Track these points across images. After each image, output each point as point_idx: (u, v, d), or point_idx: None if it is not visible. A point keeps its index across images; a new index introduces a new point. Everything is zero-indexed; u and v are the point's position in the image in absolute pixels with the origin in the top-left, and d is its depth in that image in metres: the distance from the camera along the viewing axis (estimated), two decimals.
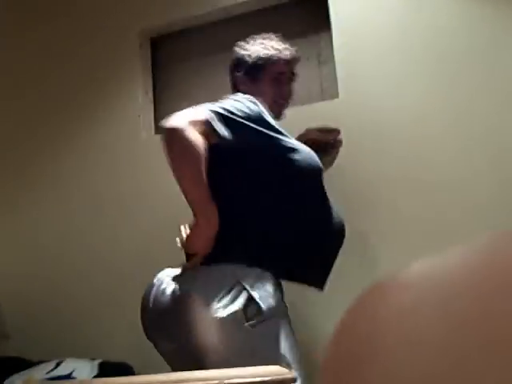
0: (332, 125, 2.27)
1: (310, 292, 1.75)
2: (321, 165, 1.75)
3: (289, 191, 1.66)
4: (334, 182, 2.39)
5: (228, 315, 1.45)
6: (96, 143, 2.85)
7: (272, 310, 1.50)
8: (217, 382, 1.25)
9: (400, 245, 2.25)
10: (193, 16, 2.80)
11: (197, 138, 1.52)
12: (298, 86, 2.46)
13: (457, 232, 2.14)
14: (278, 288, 1.62)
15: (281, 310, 1.56)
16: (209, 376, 1.39)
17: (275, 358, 1.42)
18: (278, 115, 1.90)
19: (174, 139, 1.52)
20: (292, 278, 1.69)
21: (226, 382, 1.23)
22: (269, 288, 1.53)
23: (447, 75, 2.32)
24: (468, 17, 2.34)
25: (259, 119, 1.64)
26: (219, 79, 2.76)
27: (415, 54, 2.38)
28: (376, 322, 0.28)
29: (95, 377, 2.26)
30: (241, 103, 1.66)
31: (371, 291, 0.31)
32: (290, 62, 1.96)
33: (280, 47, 1.95)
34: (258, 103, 1.70)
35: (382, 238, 2.30)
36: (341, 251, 1.78)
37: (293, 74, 1.99)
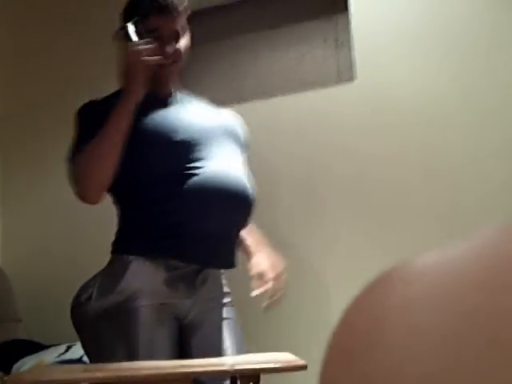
0: (348, 107, 2.24)
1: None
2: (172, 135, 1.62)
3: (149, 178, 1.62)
4: (355, 166, 2.36)
5: None
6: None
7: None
8: (227, 367, 1.23)
9: (413, 230, 2.22)
10: None
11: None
12: (314, 69, 2.41)
13: (472, 214, 2.12)
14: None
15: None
16: (220, 362, 1.37)
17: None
18: (166, 76, 1.71)
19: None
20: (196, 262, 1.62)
21: (237, 367, 1.22)
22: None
23: (464, 59, 2.28)
24: (485, 2, 2.29)
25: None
26: (232, 62, 2.72)
27: (433, 38, 2.33)
28: (379, 316, 0.27)
29: None
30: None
31: (375, 283, 0.30)
32: (166, 17, 1.66)
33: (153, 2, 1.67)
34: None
35: (401, 221, 2.27)
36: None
37: (175, 30, 1.69)
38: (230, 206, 1.60)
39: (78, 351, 2.28)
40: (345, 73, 2.53)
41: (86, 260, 2.80)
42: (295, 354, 1.27)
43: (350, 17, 2.48)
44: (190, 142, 1.61)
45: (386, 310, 0.27)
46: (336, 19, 2.60)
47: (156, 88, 1.69)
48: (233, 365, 1.22)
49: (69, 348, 2.32)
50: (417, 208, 2.26)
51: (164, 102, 1.72)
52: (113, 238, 2.72)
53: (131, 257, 1.59)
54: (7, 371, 2.24)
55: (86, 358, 2.23)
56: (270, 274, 1.66)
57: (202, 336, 1.63)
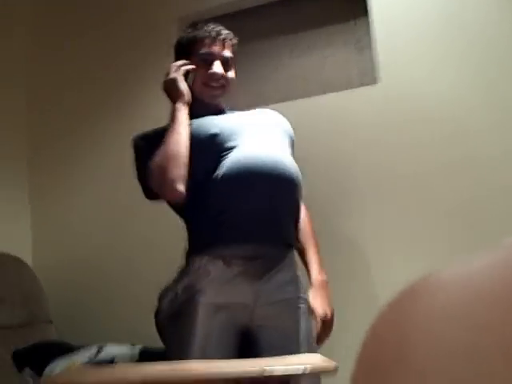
0: (370, 110, 2.25)
1: None
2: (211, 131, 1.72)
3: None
4: (378, 169, 2.37)
5: None
6: (136, 129, 2.86)
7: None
8: (258, 369, 1.25)
9: (434, 226, 2.23)
10: (230, 2, 2.78)
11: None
12: (336, 72, 2.42)
13: (495, 212, 2.16)
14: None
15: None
16: (250, 364, 1.39)
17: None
18: (211, 99, 1.85)
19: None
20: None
21: (268, 369, 1.24)
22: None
23: (485, 57, 2.27)
24: (508, 3, 2.28)
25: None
26: (256, 67, 2.75)
27: (455, 39, 2.33)
28: (405, 330, 0.27)
29: (136, 362, 2.29)
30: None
31: (401, 297, 0.30)
32: (219, 42, 1.84)
33: (209, 29, 1.85)
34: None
35: (429, 218, 2.28)
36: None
37: (224, 56, 1.84)
38: (265, 183, 1.64)
39: (108, 352, 2.31)
40: (367, 75, 2.54)
41: (114, 264, 2.85)
42: (327, 354, 1.29)
43: (370, 19, 2.49)
44: (224, 133, 1.70)
45: (412, 323, 0.27)
46: (356, 22, 2.61)
47: (204, 109, 1.81)
48: (263, 369, 1.24)
49: (99, 349, 2.34)
50: (440, 205, 2.27)
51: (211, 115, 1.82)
52: (140, 245, 2.76)
53: (193, 256, 1.68)
54: (39, 372, 2.27)
55: (116, 360, 2.26)
56: (321, 312, 1.71)
57: (269, 334, 1.65)
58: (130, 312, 2.66)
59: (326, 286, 1.77)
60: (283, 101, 2.56)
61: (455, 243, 2.21)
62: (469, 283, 0.26)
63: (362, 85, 2.53)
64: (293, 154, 1.83)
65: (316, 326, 1.68)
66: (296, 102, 2.55)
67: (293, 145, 1.87)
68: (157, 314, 1.69)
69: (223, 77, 1.83)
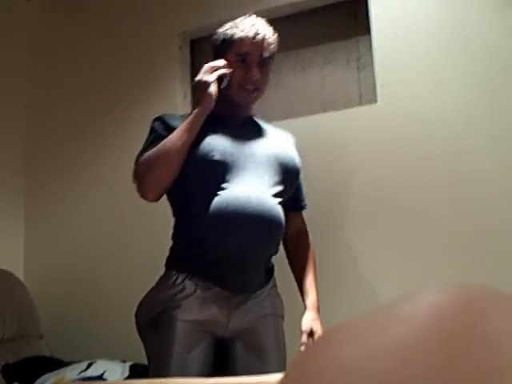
0: (370, 129, 2.24)
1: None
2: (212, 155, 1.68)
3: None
4: (377, 189, 2.35)
5: None
6: (134, 146, 2.86)
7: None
8: None
9: (436, 251, 2.21)
10: (231, 18, 2.79)
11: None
12: (336, 90, 2.41)
13: (492, 227, 2.14)
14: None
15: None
16: (255, 381, 1.36)
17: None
18: (245, 101, 1.82)
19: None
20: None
21: None
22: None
23: (490, 78, 2.26)
24: (507, 13, 2.27)
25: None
26: None
27: (456, 59, 2.33)
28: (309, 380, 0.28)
29: (126, 379, 2.26)
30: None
31: (307, 349, 0.31)
32: (257, 43, 1.77)
33: (248, 27, 1.79)
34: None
35: (424, 241, 2.25)
36: None
37: (263, 56, 1.78)
38: (246, 229, 1.62)
39: (98, 368, 2.29)
40: (367, 95, 2.54)
41: (106, 280, 2.83)
42: None
43: (372, 38, 2.49)
44: (224, 163, 1.66)
45: (314, 374, 0.27)
46: (358, 40, 2.61)
47: (234, 110, 1.80)
48: None
49: (90, 365, 2.33)
50: (439, 221, 2.25)
51: (233, 125, 1.79)
52: (132, 260, 2.76)
53: (172, 269, 1.70)
54: None
55: (106, 375, 2.24)
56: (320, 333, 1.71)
57: (242, 351, 1.69)
58: (123, 328, 2.63)
59: (319, 313, 1.79)
60: (283, 119, 2.55)
61: (450, 259, 2.19)
62: (367, 336, 0.27)
63: (362, 104, 2.52)
64: (296, 180, 1.83)
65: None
66: (296, 120, 2.55)
67: (297, 173, 1.83)
68: (136, 320, 1.72)
69: (259, 79, 1.77)
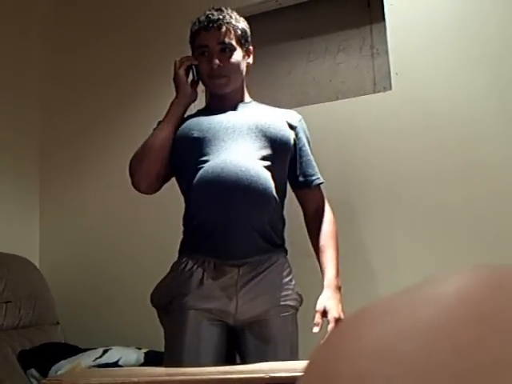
0: (384, 117, 2.23)
1: None
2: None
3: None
4: (391, 177, 2.34)
5: None
6: (146, 137, 2.87)
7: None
8: (263, 375, 1.23)
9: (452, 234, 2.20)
10: (245, 6, 2.78)
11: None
12: (350, 78, 2.39)
13: (506, 216, 2.13)
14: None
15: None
16: (256, 369, 1.37)
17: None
18: (218, 90, 1.84)
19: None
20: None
21: (272, 375, 1.21)
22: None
23: (503, 65, 2.24)
24: None
25: None
26: (270, 72, 2.73)
27: (470, 47, 2.30)
28: (334, 363, 0.27)
29: (141, 365, 2.28)
30: None
31: (334, 331, 0.31)
32: (212, 32, 1.76)
33: (203, 18, 1.79)
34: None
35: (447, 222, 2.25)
36: None
37: (223, 44, 1.77)
38: (227, 193, 1.64)
39: (114, 355, 2.31)
40: (381, 82, 2.52)
41: (120, 266, 2.84)
42: None
43: (386, 25, 2.47)
44: (203, 138, 1.72)
45: (339, 356, 0.27)
46: (372, 28, 2.59)
47: (221, 101, 1.84)
48: (268, 372, 1.22)
49: (105, 352, 2.34)
50: (453, 210, 2.24)
51: (219, 111, 1.82)
52: (146, 247, 2.77)
53: (182, 256, 1.76)
54: (44, 373, 2.27)
55: (122, 362, 2.25)
56: (334, 314, 1.66)
57: (252, 339, 1.69)
58: (137, 315, 2.64)
59: (339, 291, 1.74)
60: (296, 106, 2.54)
61: (465, 249, 2.18)
62: (394, 318, 0.27)
63: (376, 92, 2.51)
64: (291, 151, 1.82)
65: (329, 327, 1.64)
66: (309, 107, 2.53)
67: (284, 140, 1.79)
68: (153, 306, 1.76)
69: (224, 66, 1.77)
